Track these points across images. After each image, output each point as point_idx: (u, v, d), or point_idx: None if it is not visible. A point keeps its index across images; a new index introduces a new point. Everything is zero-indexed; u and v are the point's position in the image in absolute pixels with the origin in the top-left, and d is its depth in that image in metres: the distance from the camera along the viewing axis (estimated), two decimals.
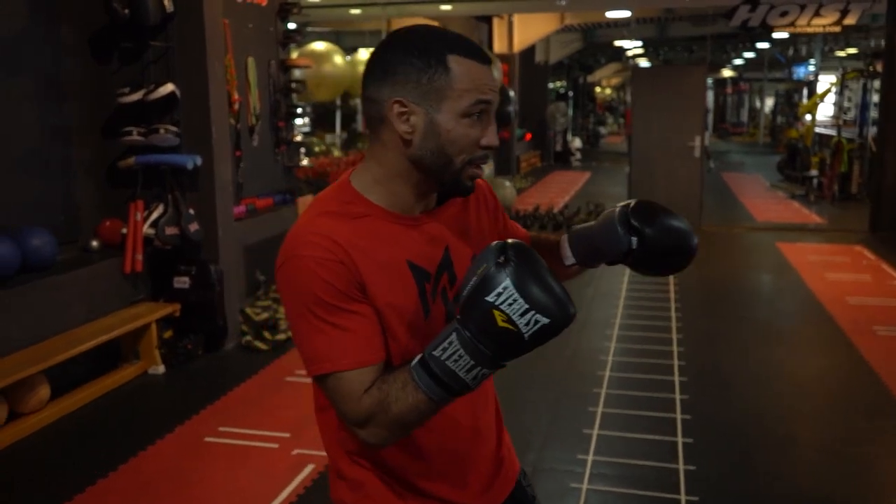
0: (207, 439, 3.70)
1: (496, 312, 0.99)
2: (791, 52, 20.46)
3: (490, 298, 0.99)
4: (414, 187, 1.19)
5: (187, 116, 4.77)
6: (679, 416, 3.91)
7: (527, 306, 0.98)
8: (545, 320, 0.99)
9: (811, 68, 21.37)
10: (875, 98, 13.01)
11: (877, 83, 12.93)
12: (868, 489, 3.34)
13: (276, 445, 3.60)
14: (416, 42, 1.14)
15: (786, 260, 7.73)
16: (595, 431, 3.76)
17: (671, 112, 9.31)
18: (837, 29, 9.48)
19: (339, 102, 10.76)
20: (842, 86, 13.20)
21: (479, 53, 1.15)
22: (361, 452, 1.24)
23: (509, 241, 1.06)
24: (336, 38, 10.98)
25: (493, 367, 1.04)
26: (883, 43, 14.39)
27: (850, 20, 9.24)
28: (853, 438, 3.76)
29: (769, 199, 12.36)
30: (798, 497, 3.20)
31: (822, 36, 16.09)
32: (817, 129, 14.42)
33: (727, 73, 27.08)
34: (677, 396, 4.16)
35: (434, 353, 1.05)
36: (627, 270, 4.94)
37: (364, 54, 9.84)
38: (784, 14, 9.19)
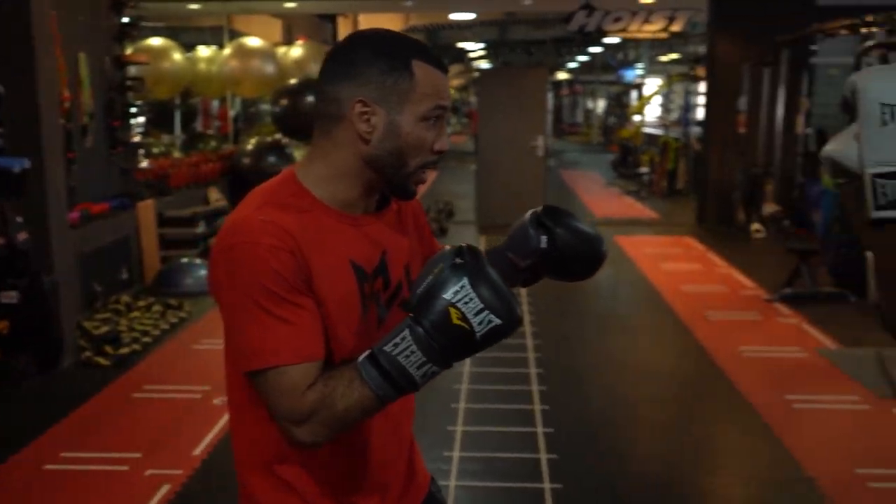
0: (48, 467, 3.41)
1: (452, 310, 1.03)
2: (621, 56, 21.67)
3: (447, 296, 1.03)
4: (361, 187, 1.20)
5: (13, 116, 4.38)
6: (538, 407, 4.03)
7: (481, 306, 1.02)
8: (497, 321, 1.03)
9: (639, 72, 22.73)
10: (696, 100, 14.04)
11: (698, 86, 13.96)
12: (711, 465, 3.59)
13: (126, 468, 3.37)
14: (383, 45, 1.17)
15: (625, 253, 8.17)
16: (459, 428, 3.80)
17: (515, 112, 9.59)
18: (665, 35, 10.16)
19: (178, 101, 10.28)
20: (668, 88, 14.12)
21: (440, 62, 1.19)
22: (283, 461, 1.19)
23: (464, 244, 1.10)
24: (173, 34, 10.47)
25: (443, 365, 1.06)
26: (702, 49, 15.50)
27: (675, 27, 9.92)
28: (694, 418, 4.04)
29: (606, 195, 13.04)
30: (649, 476, 3.39)
31: (649, 41, 17.15)
32: (646, 130, 15.38)
33: (562, 75, 28.30)
34: (535, 388, 4.29)
35: (385, 348, 1.06)
36: None
37: (205, 51, 9.45)
38: (617, 20, 9.72)
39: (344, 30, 13.54)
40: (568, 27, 9.97)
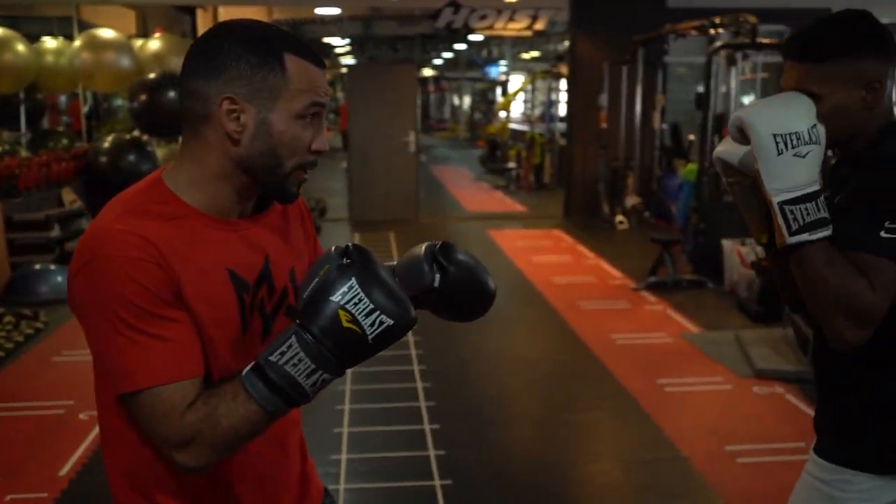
0: None
1: (341, 312, 0.97)
2: (485, 53, 22.07)
3: (335, 298, 0.98)
4: (236, 190, 1.12)
5: None
6: (423, 404, 4.02)
7: (372, 306, 0.98)
8: (389, 321, 0.99)
9: (503, 69, 23.24)
10: (558, 97, 14.49)
11: (560, 84, 14.41)
12: (592, 450, 3.71)
13: None
14: (252, 37, 1.09)
15: (497, 246, 8.33)
16: (345, 429, 3.74)
17: (385, 109, 9.56)
18: (528, 33, 10.41)
19: (22, 96, 9.56)
20: (532, 85, 14.50)
21: (315, 55, 1.12)
22: (161, 488, 1.11)
23: (350, 244, 1.04)
24: (13, 23, 9.72)
25: (334, 372, 1.00)
26: (562, 47, 15.98)
27: (539, 25, 10.19)
28: (574, 405, 4.16)
29: (476, 190, 13.25)
30: (535, 465, 3.47)
31: (512, 39, 17.56)
32: (513, 126, 15.74)
33: (428, 72, 28.51)
34: (419, 385, 4.29)
35: (271, 358, 0.99)
36: None
37: (51, 43, 8.82)
38: (483, 17, 9.88)
39: (203, 23, 13.04)
40: (435, 24, 10.05)
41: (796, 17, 10.26)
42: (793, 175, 1.30)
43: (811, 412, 3.95)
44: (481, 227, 9.51)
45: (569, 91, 10.35)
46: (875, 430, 1.46)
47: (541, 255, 7.81)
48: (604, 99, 9.50)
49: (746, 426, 3.86)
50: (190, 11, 12.35)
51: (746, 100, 7.08)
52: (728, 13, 6.99)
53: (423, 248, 1.30)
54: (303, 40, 1.14)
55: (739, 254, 5.89)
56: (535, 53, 20.99)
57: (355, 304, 0.98)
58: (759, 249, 5.57)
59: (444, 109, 28.28)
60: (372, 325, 0.98)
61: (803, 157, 1.30)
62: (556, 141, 12.84)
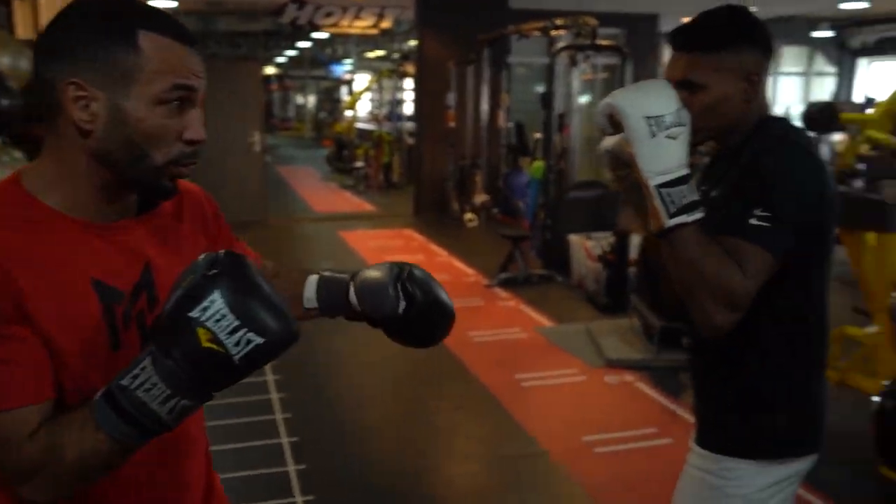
0: None
1: (200, 331, 0.86)
2: (330, 51, 21.76)
3: (194, 314, 0.87)
4: (99, 188, 1.01)
5: None
6: (280, 417, 3.85)
7: (237, 323, 0.87)
8: (258, 339, 0.88)
9: (348, 67, 23.01)
10: (404, 95, 14.52)
11: (404, 83, 14.44)
12: (456, 450, 3.68)
13: None
14: (101, 13, 0.97)
15: (350, 247, 8.20)
16: None
17: (229, 108, 9.17)
18: (375, 31, 10.32)
19: None
20: (379, 84, 14.43)
21: (179, 30, 0.99)
22: None
23: (222, 251, 0.92)
24: None
25: (196, 398, 0.90)
26: (407, 46, 16.02)
27: (385, 24, 10.12)
28: (436, 405, 4.13)
29: (324, 190, 13.03)
30: (400, 469, 3.40)
31: (356, 38, 17.39)
32: (359, 125, 15.60)
33: (270, 69, 27.78)
34: (274, 396, 4.10)
35: (122, 382, 0.89)
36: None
37: None
38: (329, 15, 9.68)
39: (22, 14, 11.99)
40: (280, 20, 9.74)
41: (630, 21, 10.84)
42: (666, 156, 1.32)
43: (660, 398, 4.20)
44: (332, 227, 9.34)
45: (416, 90, 10.37)
46: (749, 417, 1.50)
47: (393, 255, 7.75)
48: (451, 98, 9.58)
49: (601, 416, 3.97)
50: (5, 2, 11.33)
51: (584, 99, 7.33)
52: (568, 15, 7.21)
53: (385, 270, 1.21)
54: (166, 13, 1.01)
55: (586, 248, 6.08)
56: (380, 52, 20.92)
57: (216, 321, 0.87)
58: (605, 244, 5.78)
59: (289, 108, 27.66)
60: (237, 344, 0.87)
61: (675, 138, 1.32)
62: (404, 140, 12.84)
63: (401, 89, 15.17)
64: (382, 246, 8.24)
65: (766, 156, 1.40)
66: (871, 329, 3.92)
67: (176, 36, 0.99)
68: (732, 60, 1.43)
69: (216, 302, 0.87)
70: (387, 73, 14.14)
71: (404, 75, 12.82)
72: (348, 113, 16.60)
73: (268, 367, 4.51)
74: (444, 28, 9.67)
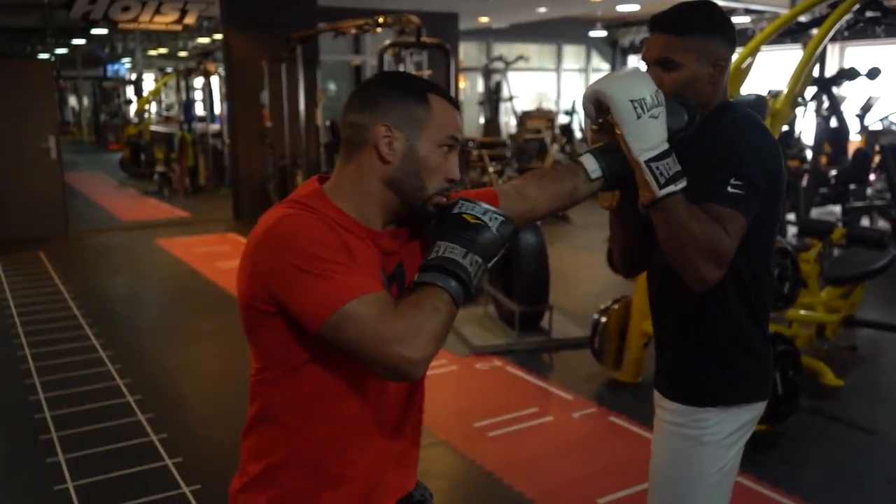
0: None
1: (465, 215, 1.27)
2: (109, 49, 20.26)
3: (455, 211, 1.28)
4: (383, 207, 1.32)
5: None
6: (142, 417, 3.61)
7: (484, 207, 1.28)
8: (501, 216, 1.28)
9: (127, 66, 21.58)
10: (194, 95, 13.88)
11: (197, 81, 13.80)
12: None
13: None
14: (401, 80, 1.38)
15: (175, 256, 7.76)
16: (61, 458, 3.25)
17: (17, 111, 8.31)
18: (179, 27, 9.76)
19: None
20: (178, 83, 13.68)
21: (453, 100, 1.35)
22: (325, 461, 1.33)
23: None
24: None
25: (483, 254, 1.25)
26: (201, 44, 15.35)
27: (189, 20, 9.60)
28: None
29: (125, 197, 12.17)
30: None
31: (139, 35, 16.33)
32: (154, 127, 14.71)
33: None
34: (130, 399, 3.83)
35: (430, 258, 1.24)
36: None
37: None
38: (126, 9, 9.02)
39: None
40: (70, 14, 8.92)
41: (431, 20, 11.13)
42: (651, 134, 1.46)
43: (531, 378, 4.42)
44: (146, 237, 8.77)
45: (227, 90, 9.96)
46: (714, 368, 1.68)
47: (224, 261, 7.43)
48: (265, 97, 9.33)
49: (483, 402, 4.11)
50: None
51: None
52: (374, 14, 7.29)
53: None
54: (442, 86, 1.40)
55: None
56: (163, 50, 19.82)
57: (470, 209, 1.28)
58: None
59: (66, 111, 25.36)
60: (490, 219, 1.27)
61: (656, 117, 1.47)
62: (208, 141, 12.29)
63: (195, 89, 14.50)
64: (210, 252, 7.87)
65: (736, 133, 1.58)
66: None
67: (450, 101, 1.34)
68: (705, 46, 1.60)
69: (464, 204, 1.28)
70: (182, 71, 13.43)
71: (206, 73, 12.25)
72: (143, 114, 15.62)
73: (115, 373, 4.19)
74: (250, 25, 9.37)
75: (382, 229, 1.34)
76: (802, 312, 4.23)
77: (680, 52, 1.58)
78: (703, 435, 1.66)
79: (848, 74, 8.13)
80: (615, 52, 18.58)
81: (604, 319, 4.28)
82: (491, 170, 9.30)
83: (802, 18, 4.57)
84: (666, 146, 1.47)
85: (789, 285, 3.61)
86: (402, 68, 7.12)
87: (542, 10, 12.74)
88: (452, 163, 1.33)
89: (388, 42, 6.83)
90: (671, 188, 1.46)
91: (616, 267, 4.27)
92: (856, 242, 4.54)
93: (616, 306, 4.30)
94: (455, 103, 1.36)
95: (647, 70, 1.65)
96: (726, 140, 1.58)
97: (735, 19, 13.88)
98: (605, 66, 18.67)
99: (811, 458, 3.48)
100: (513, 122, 15.14)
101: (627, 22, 17.21)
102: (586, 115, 1.60)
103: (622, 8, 13.00)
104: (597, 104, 1.51)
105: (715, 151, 1.57)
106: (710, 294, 1.58)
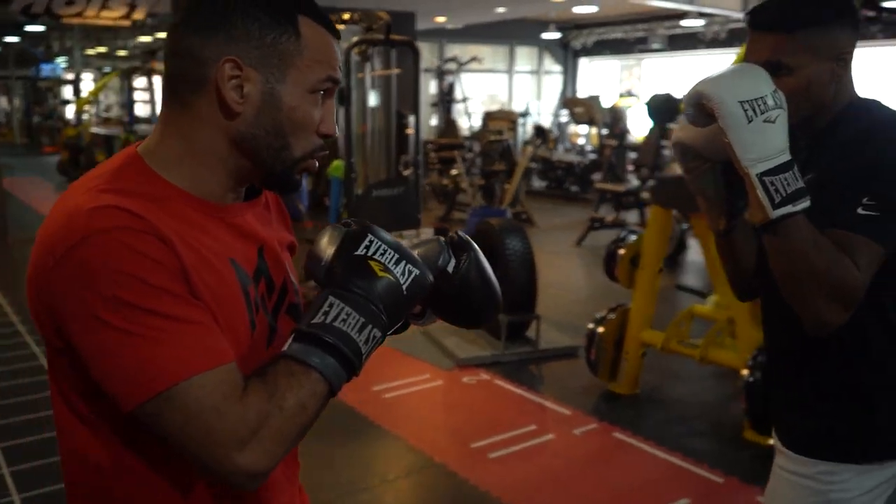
0: None
1: (372, 263, 0.92)
2: (45, 47, 19.40)
3: (360, 252, 0.92)
4: (230, 174, 0.97)
5: None
6: None
7: (398, 255, 0.93)
8: (416, 270, 0.94)
9: (63, 65, 20.71)
10: (138, 95, 13.34)
11: (138, 82, 13.26)
12: (349, 480, 3.37)
13: None
14: None
15: None
16: (5, 470, 2.87)
17: None
18: (127, 23, 9.28)
19: None
20: (121, 83, 13.11)
21: (331, 23, 0.97)
22: None
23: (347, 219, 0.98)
24: None
25: (382, 326, 0.91)
26: (143, 42, 14.80)
27: (138, 15, 9.13)
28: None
29: None
30: None
31: (78, 33, 15.63)
32: (95, 129, 14.09)
33: None
34: None
35: (315, 321, 0.88)
36: None
37: None
38: (71, 3, 8.50)
39: None
40: (10, 8, 8.36)
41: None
42: (767, 142, 1.22)
43: (522, 392, 4.20)
44: None
45: None
46: (850, 418, 1.43)
47: None
48: None
49: (477, 419, 3.87)
50: None
51: (373, 95, 7.18)
52: (332, 11, 7.00)
53: (430, 232, 1.09)
54: (317, 3, 0.97)
55: None
56: (102, 49, 19.06)
57: (381, 254, 0.92)
58: None
59: None
60: (402, 273, 0.93)
61: (773, 121, 1.22)
62: None
63: (137, 89, 13.92)
64: None
65: (868, 141, 1.33)
66: (710, 302, 4.23)
67: (328, 26, 0.96)
68: (822, 39, 1.34)
69: (374, 241, 0.92)
70: (126, 70, 12.85)
71: (150, 73, 11.73)
72: (71, 115, 14.94)
73: None
74: None
75: (231, 203, 0.98)
76: None
77: (792, 53, 1.32)
78: (832, 491, 1.41)
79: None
80: (567, 54, 18.58)
81: (600, 329, 4.08)
82: (454, 172, 9.08)
83: None
84: (786, 157, 1.22)
85: None
86: (368, 67, 6.84)
87: (501, 9, 12.57)
88: (329, 113, 0.96)
89: (355, 39, 6.54)
90: (788, 208, 1.21)
91: (612, 275, 4.08)
92: None
93: (612, 316, 4.10)
94: (335, 30, 0.98)
95: None
96: (858, 149, 1.33)
97: (687, 23, 14.06)
98: (557, 68, 18.65)
99: None
100: (466, 123, 14.97)
101: (579, 24, 17.22)
102: (688, 120, 1.33)
103: (579, 9, 12.93)
104: (699, 108, 1.26)
105: (844, 163, 1.32)
106: (846, 333, 1.32)
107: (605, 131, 11.11)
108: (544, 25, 16.70)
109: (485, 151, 8.78)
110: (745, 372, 3.40)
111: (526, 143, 7.67)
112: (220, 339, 0.87)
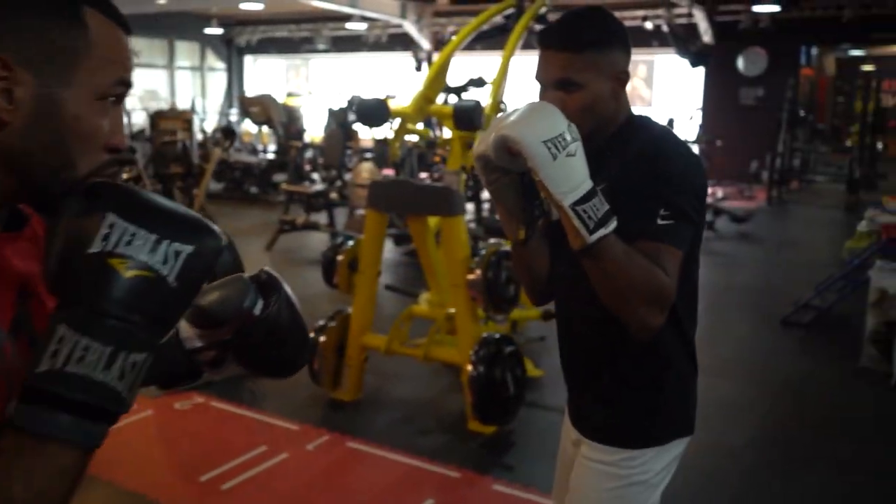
0: None
1: (114, 262, 0.70)
2: None
3: (95, 249, 0.70)
4: None
5: None
6: None
7: (155, 236, 0.71)
8: (188, 248, 0.73)
9: None
10: None
11: None
12: None
13: None
14: None
15: None
16: None
17: None
18: None
19: None
20: None
21: (122, 16, 0.82)
22: None
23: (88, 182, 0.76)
24: None
25: (145, 347, 0.71)
26: None
27: None
28: None
29: None
30: None
31: None
32: None
33: None
34: None
35: (40, 370, 0.68)
36: None
37: None
38: None
39: None
40: None
41: None
42: (572, 174, 1.30)
43: (244, 412, 3.97)
44: None
45: None
46: (645, 406, 1.56)
47: None
48: None
49: (201, 449, 3.57)
50: None
51: None
52: None
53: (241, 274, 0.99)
54: None
55: None
56: None
57: (128, 243, 0.70)
58: None
59: None
60: (164, 260, 0.71)
61: (574, 154, 1.30)
62: None
63: None
64: None
65: (658, 155, 1.45)
66: (423, 301, 4.36)
67: (118, 20, 0.81)
68: (604, 60, 1.46)
69: (117, 224, 0.70)
70: None
71: None
72: None
73: None
74: None
75: None
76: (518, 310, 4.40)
77: (581, 71, 1.43)
78: (633, 475, 1.53)
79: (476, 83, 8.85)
80: (231, 51, 18.03)
81: (322, 338, 3.99)
82: (125, 176, 8.30)
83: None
84: (589, 185, 1.30)
85: (515, 287, 3.72)
86: None
87: (163, 1, 11.76)
88: (118, 122, 0.82)
89: None
90: (601, 232, 1.30)
91: (331, 282, 4.02)
92: None
93: (333, 323, 4.04)
94: (125, 23, 0.83)
95: (543, 93, 1.48)
96: (647, 164, 1.43)
97: (351, 25, 14.46)
98: (221, 65, 18.02)
99: (548, 451, 3.61)
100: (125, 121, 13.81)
101: (242, 21, 16.81)
102: (496, 163, 1.38)
103: (245, 6, 12.58)
104: (506, 150, 1.32)
105: (637, 175, 1.43)
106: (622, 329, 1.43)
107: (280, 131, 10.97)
108: (206, 21, 16.01)
109: (159, 153, 8.16)
110: (469, 367, 3.55)
111: (215, 143, 7.25)
112: None
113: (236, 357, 0.99)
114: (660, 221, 1.38)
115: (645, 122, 1.54)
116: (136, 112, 13.82)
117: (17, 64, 0.74)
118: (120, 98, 0.81)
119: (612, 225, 1.31)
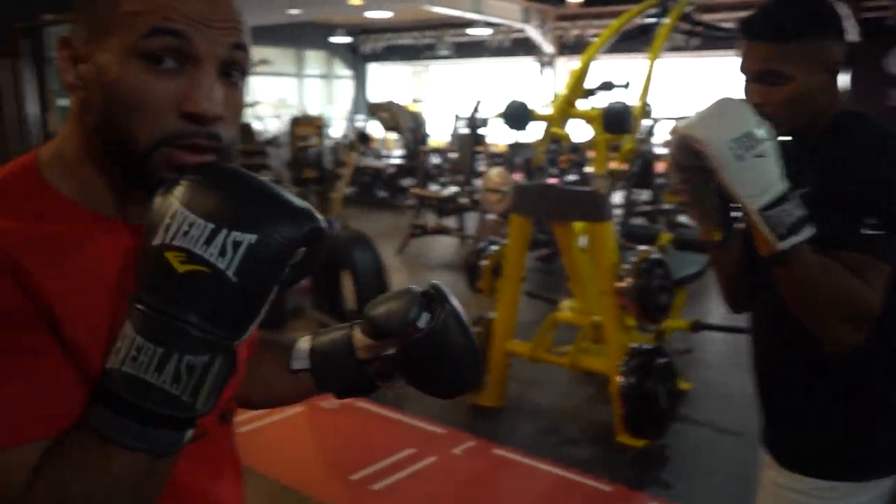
0: None
1: (169, 255, 0.65)
2: None
3: (157, 241, 0.66)
4: (107, 176, 0.76)
5: None
6: None
7: (212, 226, 0.65)
8: (249, 237, 0.66)
9: None
10: None
11: None
12: None
13: None
14: None
15: None
16: None
17: None
18: None
19: None
20: None
21: None
22: None
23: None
24: None
25: (204, 349, 0.66)
26: None
27: None
28: None
29: None
30: None
31: None
32: None
33: None
34: None
35: (106, 366, 0.66)
36: None
37: None
38: None
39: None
40: None
41: None
42: (760, 177, 1.21)
43: (390, 413, 3.99)
44: None
45: None
46: (846, 437, 1.41)
47: None
48: None
49: (349, 447, 3.62)
50: None
51: None
52: None
53: (412, 287, 0.99)
54: None
55: None
56: None
57: (184, 234, 0.66)
58: None
59: None
60: (222, 253, 0.65)
61: (765, 155, 1.21)
62: None
63: None
64: None
65: (866, 156, 1.32)
66: (566, 308, 4.27)
67: None
68: (817, 50, 1.33)
69: (178, 212, 0.66)
70: None
71: None
72: None
73: None
74: None
75: (124, 218, 0.77)
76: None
77: (788, 62, 1.32)
78: None
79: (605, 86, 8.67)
80: (357, 58, 18.47)
81: None
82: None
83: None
84: (781, 188, 1.20)
85: (667, 295, 3.58)
86: None
87: (295, 11, 12.17)
88: (194, 83, 0.71)
89: None
90: (794, 239, 1.21)
91: (475, 287, 3.98)
92: (683, 247, 4.71)
93: (478, 328, 4.02)
94: None
95: (747, 85, 1.37)
96: (856, 166, 1.31)
97: (474, 31, 14.51)
98: (347, 73, 18.49)
99: (702, 468, 3.46)
100: (257, 126, 14.39)
101: (367, 29, 17.19)
102: (676, 164, 1.32)
103: (371, 14, 12.84)
104: (687, 149, 1.25)
105: (843, 180, 1.30)
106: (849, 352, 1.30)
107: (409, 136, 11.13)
108: (332, 29, 16.47)
109: (296, 158, 8.42)
110: (619, 378, 3.44)
111: (350, 148, 7.43)
112: (39, 408, 0.67)
113: (402, 371, 0.97)
114: (865, 231, 1.26)
115: (859, 119, 1.39)
116: (270, 119, 14.38)
117: (78, 40, 0.74)
118: (175, 53, 0.71)
119: (807, 232, 1.22)
